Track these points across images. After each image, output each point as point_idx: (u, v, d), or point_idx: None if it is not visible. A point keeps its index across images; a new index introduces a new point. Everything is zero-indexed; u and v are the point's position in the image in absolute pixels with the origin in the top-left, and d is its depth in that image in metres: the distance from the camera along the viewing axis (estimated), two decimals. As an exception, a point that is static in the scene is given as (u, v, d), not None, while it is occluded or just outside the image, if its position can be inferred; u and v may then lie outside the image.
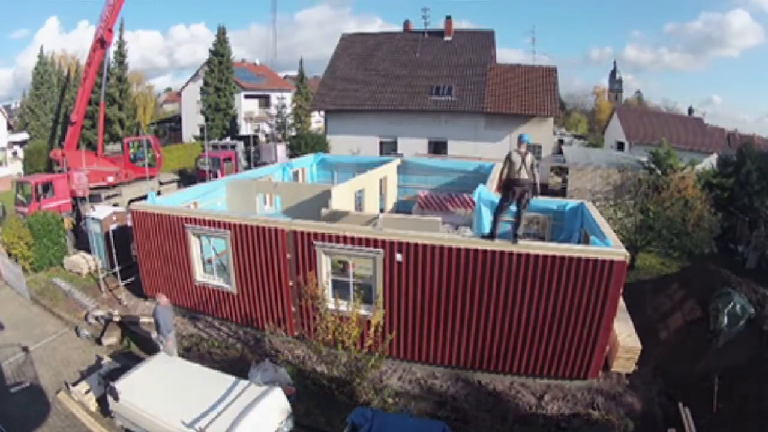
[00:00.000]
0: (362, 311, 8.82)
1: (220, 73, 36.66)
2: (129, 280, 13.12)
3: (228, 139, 31.27)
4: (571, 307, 8.45)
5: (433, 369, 9.63)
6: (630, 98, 69.68)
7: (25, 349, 10.55)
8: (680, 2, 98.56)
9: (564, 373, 9.02)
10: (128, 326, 11.31)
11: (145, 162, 21.65)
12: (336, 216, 11.13)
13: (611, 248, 8.34)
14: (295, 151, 24.80)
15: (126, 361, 9.78)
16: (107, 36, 19.56)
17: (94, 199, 18.52)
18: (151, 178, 21.95)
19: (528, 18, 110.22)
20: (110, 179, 20.92)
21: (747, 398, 7.91)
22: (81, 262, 14.84)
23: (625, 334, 9.67)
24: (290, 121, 36.44)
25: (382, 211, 16.70)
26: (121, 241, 13.54)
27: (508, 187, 8.42)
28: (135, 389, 7.73)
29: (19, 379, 9.55)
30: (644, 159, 20.58)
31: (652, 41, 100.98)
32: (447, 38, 29.43)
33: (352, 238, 9.28)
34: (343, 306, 8.91)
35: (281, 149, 27.44)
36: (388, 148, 26.22)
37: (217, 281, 11.31)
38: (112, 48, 33.69)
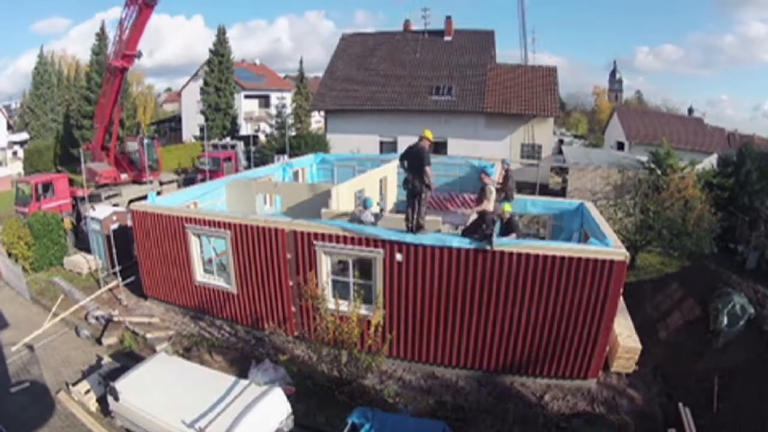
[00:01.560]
0: (362, 311, 8.82)
1: (220, 73, 36.67)
2: (129, 280, 13.13)
3: (228, 139, 31.27)
4: (571, 307, 8.45)
5: (433, 369, 9.63)
6: (630, 98, 69.72)
7: (30, 348, 10.57)
8: (706, 13, 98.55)
9: (564, 373, 9.02)
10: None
11: (143, 164, 21.48)
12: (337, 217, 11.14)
13: (611, 248, 8.34)
14: (294, 151, 24.78)
15: (126, 361, 9.78)
16: (127, 62, 18.19)
17: (94, 199, 18.50)
18: (149, 181, 21.62)
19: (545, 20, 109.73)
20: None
21: (747, 398, 7.91)
22: (81, 262, 14.85)
23: (625, 334, 9.68)
24: (290, 121, 36.47)
25: (382, 211, 16.70)
26: (121, 241, 13.55)
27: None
28: (135, 389, 7.74)
29: (23, 378, 9.57)
30: (644, 159, 20.57)
31: (670, 49, 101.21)
32: (447, 38, 29.39)
33: (352, 239, 9.28)
34: (343, 306, 8.91)
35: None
36: (389, 148, 26.16)
37: (217, 281, 11.31)
38: (112, 48, 33.66)
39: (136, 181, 21.39)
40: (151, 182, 21.38)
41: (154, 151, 22.65)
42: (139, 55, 18.27)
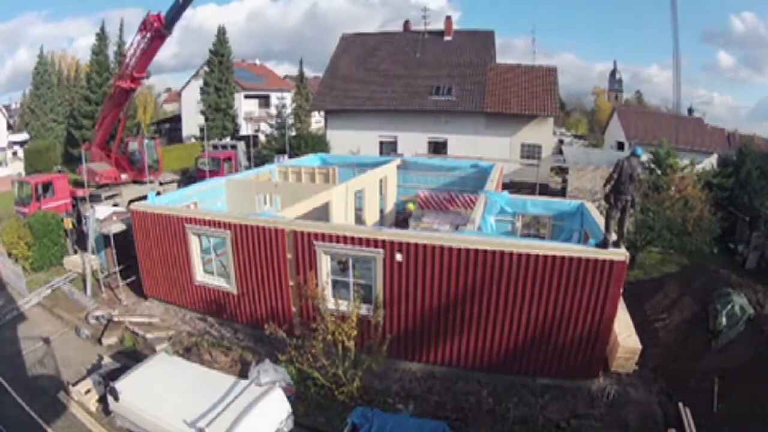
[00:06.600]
0: (362, 311, 8.82)
1: (220, 73, 36.66)
2: (129, 280, 13.12)
3: (228, 139, 31.26)
4: (572, 307, 8.45)
5: (433, 369, 9.63)
6: (630, 98, 69.66)
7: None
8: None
9: (564, 373, 9.02)
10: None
11: (143, 165, 21.40)
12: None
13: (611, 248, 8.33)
14: (295, 151, 24.77)
15: (126, 361, 9.79)
16: (135, 84, 18.22)
17: (94, 199, 18.48)
18: (150, 181, 21.50)
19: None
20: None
21: (747, 398, 7.91)
22: (81, 262, 14.82)
23: (625, 334, 9.67)
24: (290, 121, 36.44)
25: (382, 211, 16.71)
26: (121, 241, 13.53)
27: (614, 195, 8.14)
28: (135, 389, 7.75)
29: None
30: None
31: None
32: (447, 38, 29.40)
33: (352, 238, 9.28)
34: (343, 306, 8.91)
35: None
36: (388, 148, 26.20)
37: (217, 281, 11.31)
38: (112, 48, 33.60)
39: (137, 180, 21.38)
40: (151, 182, 21.38)
41: (154, 151, 22.68)
42: (148, 75, 18.65)
